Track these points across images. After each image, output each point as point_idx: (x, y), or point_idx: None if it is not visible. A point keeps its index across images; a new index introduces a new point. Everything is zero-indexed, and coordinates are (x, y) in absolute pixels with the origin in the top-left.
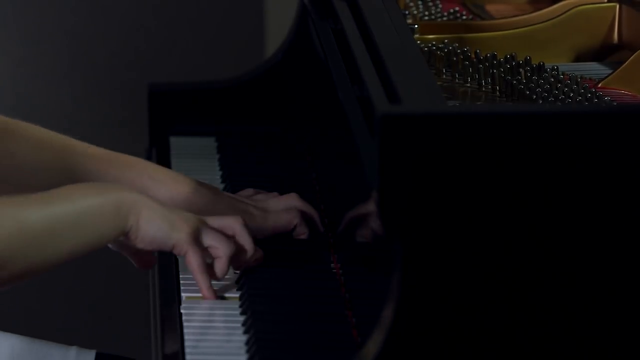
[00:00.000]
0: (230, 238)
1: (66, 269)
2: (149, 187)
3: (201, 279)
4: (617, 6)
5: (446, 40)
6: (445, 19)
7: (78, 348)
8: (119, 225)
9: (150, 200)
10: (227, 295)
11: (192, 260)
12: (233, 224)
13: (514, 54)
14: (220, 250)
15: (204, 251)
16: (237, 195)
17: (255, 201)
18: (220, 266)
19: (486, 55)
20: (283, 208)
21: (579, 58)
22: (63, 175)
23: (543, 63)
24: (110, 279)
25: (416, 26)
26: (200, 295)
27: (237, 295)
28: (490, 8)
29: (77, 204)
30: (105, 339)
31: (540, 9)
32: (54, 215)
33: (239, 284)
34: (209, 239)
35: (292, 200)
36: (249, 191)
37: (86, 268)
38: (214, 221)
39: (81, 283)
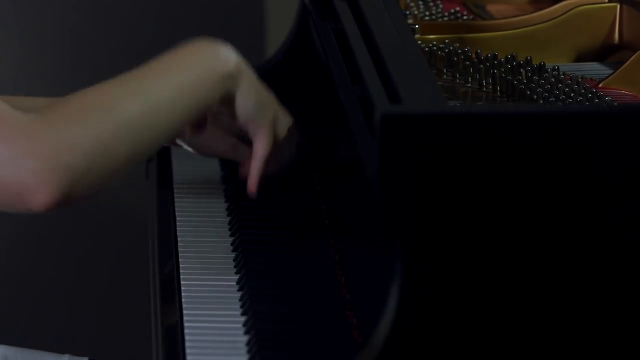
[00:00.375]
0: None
1: (59, 278)
2: None
3: (258, 167)
4: (618, 6)
5: (447, 41)
6: (446, 19)
7: (70, 356)
8: (221, 95)
9: (248, 70)
10: (228, 295)
11: (260, 147)
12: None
13: (514, 54)
14: (283, 148)
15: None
16: None
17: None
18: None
19: (487, 56)
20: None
21: (579, 58)
22: None
23: (544, 63)
24: (104, 283)
25: (417, 26)
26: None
27: (238, 295)
28: (491, 8)
29: (175, 80)
30: (99, 345)
31: (541, 9)
32: (153, 100)
33: (240, 284)
34: (283, 130)
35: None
36: None
37: (80, 275)
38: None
39: (74, 291)
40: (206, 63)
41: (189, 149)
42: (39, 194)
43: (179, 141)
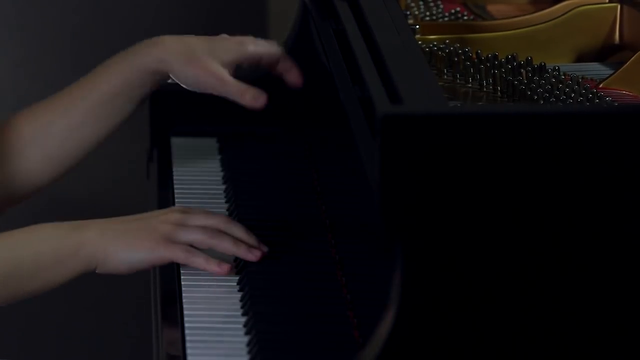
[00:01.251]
0: (202, 229)
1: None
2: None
3: (200, 262)
4: (619, 7)
5: (447, 41)
6: (446, 19)
7: None
8: (75, 270)
9: (113, 230)
10: (228, 295)
11: (177, 256)
12: (217, 223)
13: (515, 54)
14: (202, 242)
15: (184, 246)
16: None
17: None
18: (200, 259)
19: (487, 56)
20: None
21: (580, 58)
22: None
23: (544, 63)
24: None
25: (417, 26)
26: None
27: (238, 296)
28: (492, 8)
29: (24, 251)
30: (99, 347)
31: (542, 9)
32: (15, 260)
33: (240, 285)
34: (185, 236)
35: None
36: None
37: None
38: (191, 219)
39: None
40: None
41: (181, 83)
42: None
43: (172, 75)
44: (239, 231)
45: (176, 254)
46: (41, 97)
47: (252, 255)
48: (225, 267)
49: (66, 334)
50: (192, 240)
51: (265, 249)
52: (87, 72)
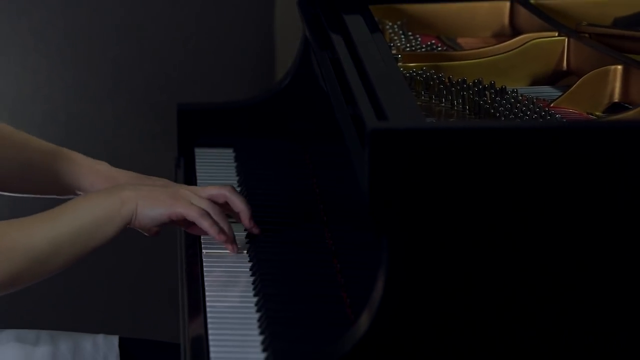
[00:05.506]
0: (210, 203)
1: (95, 264)
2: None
3: (204, 224)
4: (566, 39)
5: (424, 68)
6: (423, 49)
7: (104, 335)
8: (122, 223)
9: (142, 189)
10: (242, 280)
11: (189, 213)
12: (223, 191)
13: (480, 79)
14: (212, 214)
15: (198, 208)
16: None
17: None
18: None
19: (457, 80)
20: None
21: (534, 82)
22: (21, 168)
23: (505, 87)
24: (136, 269)
25: (400, 56)
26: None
27: (250, 280)
28: (461, 41)
29: (80, 219)
30: (126, 324)
31: (502, 41)
32: (58, 235)
33: (252, 270)
34: (201, 204)
35: (221, 191)
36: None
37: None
38: (204, 191)
39: (108, 275)
40: (97, 211)
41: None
42: None
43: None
44: (239, 202)
45: (190, 212)
46: (89, 115)
47: (222, 239)
48: (223, 236)
49: (109, 309)
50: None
51: (257, 231)
52: (126, 94)
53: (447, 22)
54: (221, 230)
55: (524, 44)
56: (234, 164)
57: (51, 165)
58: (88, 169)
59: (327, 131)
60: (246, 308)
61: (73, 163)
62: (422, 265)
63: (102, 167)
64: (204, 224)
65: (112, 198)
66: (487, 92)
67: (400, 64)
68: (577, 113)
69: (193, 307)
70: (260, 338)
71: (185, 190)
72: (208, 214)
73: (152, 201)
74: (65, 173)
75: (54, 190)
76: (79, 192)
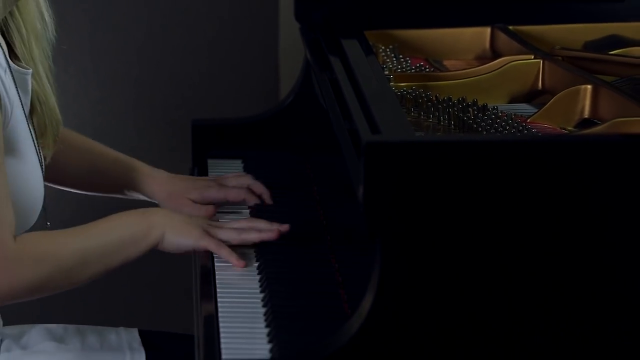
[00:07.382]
0: (235, 229)
1: None
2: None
3: (225, 253)
4: (542, 61)
5: (414, 87)
6: (413, 70)
7: (125, 328)
8: (146, 247)
9: (173, 218)
10: (250, 277)
11: (211, 246)
12: (245, 180)
13: (464, 97)
14: (234, 239)
15: (217, 240)
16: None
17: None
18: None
19: (444, 98)
20: (235, 184)
21: (512, 100)
22: (89, 174)
23: (486, 104)
24: (155, 267)
25: (391, 76)
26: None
27: (257, 277)
28: (447, 63)
29: (109, 237)
30: (144, 317)
31: (484, 63)
32: (86, 249)
33: (259, 269)
34: (221, 234)
35: (243, 179)
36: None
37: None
38: (230, 224)
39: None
40: (127, 231)
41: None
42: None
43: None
44: (261, 223)
45: (210, 245)
46: (114, 129)
47: (272, 233)
48: (242, 263)
49: (131, 301)
50: (227, 239)
51: (285, 227)
52: (147, 111)
53: (434, 46)
54: (238, 257)
55: (503, 65)
56: None
57: (115, 171)
58: (148, 176)
59: (327, 144)
60: (253, 303)
61: (133, 170)
62: (412, 265)
63: (159, 173)
64: (223, 254)
65: (142, 221)
66: (470, 109)
67: (392, 83)
68: (551, 128)
69: (206, 302)
70: (266, 330)
71: (207, 223)
72: (225, 245)
73: (181, 232)
74: (128, 179)
75: (117, 192)
76: (139, 196)
